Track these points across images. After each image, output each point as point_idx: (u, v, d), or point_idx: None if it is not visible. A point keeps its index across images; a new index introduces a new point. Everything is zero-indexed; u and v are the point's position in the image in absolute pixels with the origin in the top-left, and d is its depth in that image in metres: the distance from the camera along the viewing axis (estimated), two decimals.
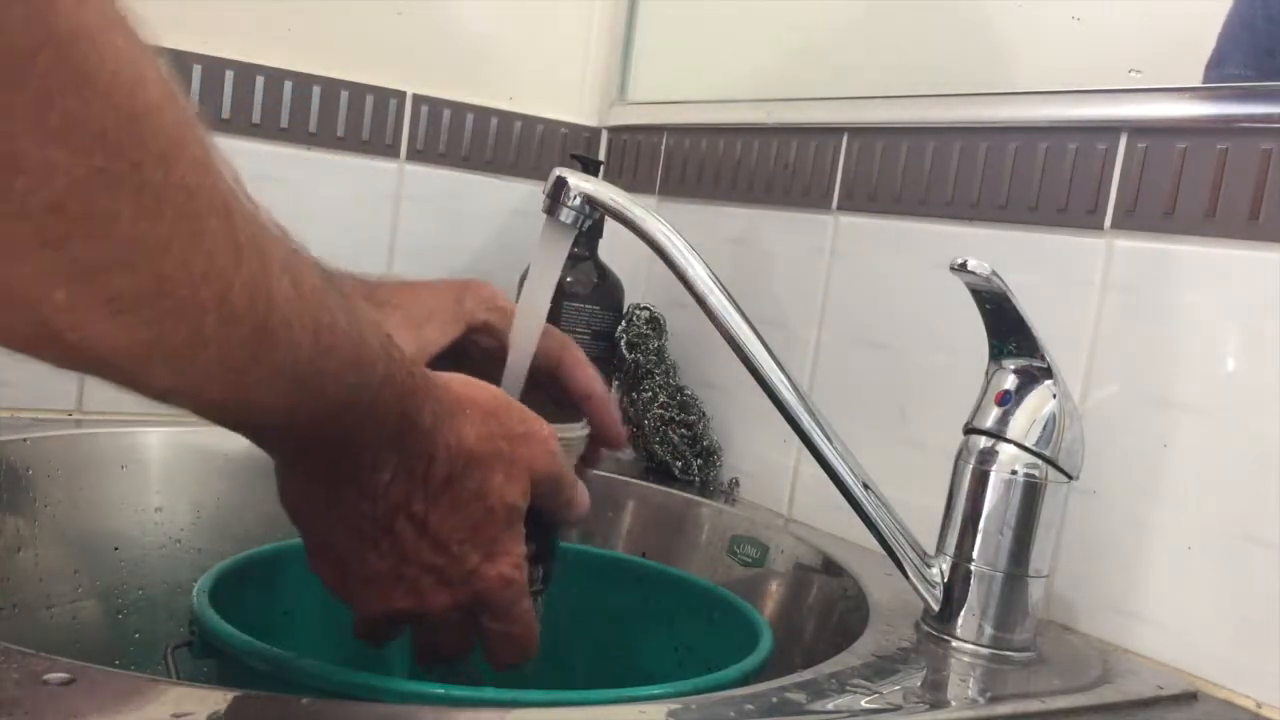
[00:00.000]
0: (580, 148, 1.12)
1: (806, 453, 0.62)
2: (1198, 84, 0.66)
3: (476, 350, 0.63)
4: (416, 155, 1.05)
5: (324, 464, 0.46)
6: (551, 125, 1.11)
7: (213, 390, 0.37)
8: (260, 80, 0.98)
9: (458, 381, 0.49)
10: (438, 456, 0.47)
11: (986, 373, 0.64)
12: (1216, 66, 0.65)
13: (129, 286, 0.31)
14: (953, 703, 0.56)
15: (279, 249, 0.37)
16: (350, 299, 0.42)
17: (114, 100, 0.29)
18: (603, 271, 1.01)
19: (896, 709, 0.52)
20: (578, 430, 0.60)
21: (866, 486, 0.62)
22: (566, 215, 0.58)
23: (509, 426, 0.50)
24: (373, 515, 0.47)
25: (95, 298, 0.31)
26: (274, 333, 0.36)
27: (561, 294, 0.96)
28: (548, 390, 0.63)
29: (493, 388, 0.51)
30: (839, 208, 0.88)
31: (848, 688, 0.54)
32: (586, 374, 0.63)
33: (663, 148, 1.07)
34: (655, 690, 0.49)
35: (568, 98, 1.13)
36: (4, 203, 0.28)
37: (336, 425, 0.43)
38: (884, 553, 0.64)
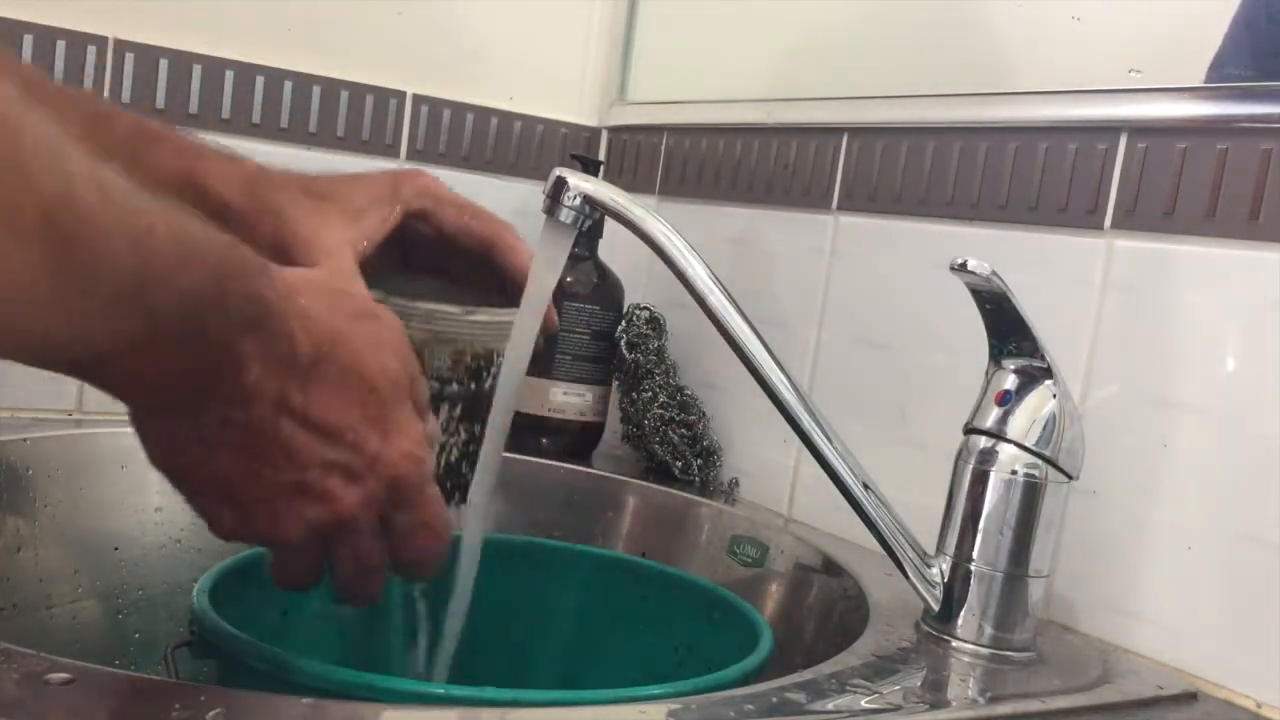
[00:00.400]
0: (580, 148, 1.12)
1: (806, 453, 0.62)
2: (1198, 84, 0.66)
3: (417, 238, 0.63)
4: (416, 155, 1.05)
5: (181, 387, 0.42)
6: (551, 125, 1.11)
7: (26, 321, 0.34)
8: (260, 80, 0.98)
9: (289, 269, 0.47)
10: (296, 334, 0.44)
11: (986, 373, 0.65)
12: (1219, 67, 0.65)
13: None
14: (953, 703, 0.56)
15: (84, 164, 0.34)
16: (171, 200, 0.38)
17: None
18: (603, 271, 1.01)
19: (896, 709, 0.52)
20: (511, 315, 0.60)
21: (866, 486, 0.62)
22: (566, 215, 0.58)
23: (356, 305, 0.48)
24: (250, 423, 0.43)
25: None
26: (82, 248, 0.34)
27: (561, 294, 0.96)
28: (485, 275, 0.63)
29: (325, 272, 0.50)
30: (839, 208, 0.88)
31: (848, 688, 0.54)
32: (522, 258, 0.63)
33: (663, 148, 1.07)
34: (655, 690, 0.49)
35: (568, 98, 1.13)
36: None
37: (181, 337, 0.40)
38: (884, 553, 0.64)
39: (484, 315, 0.60)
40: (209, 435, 0.43)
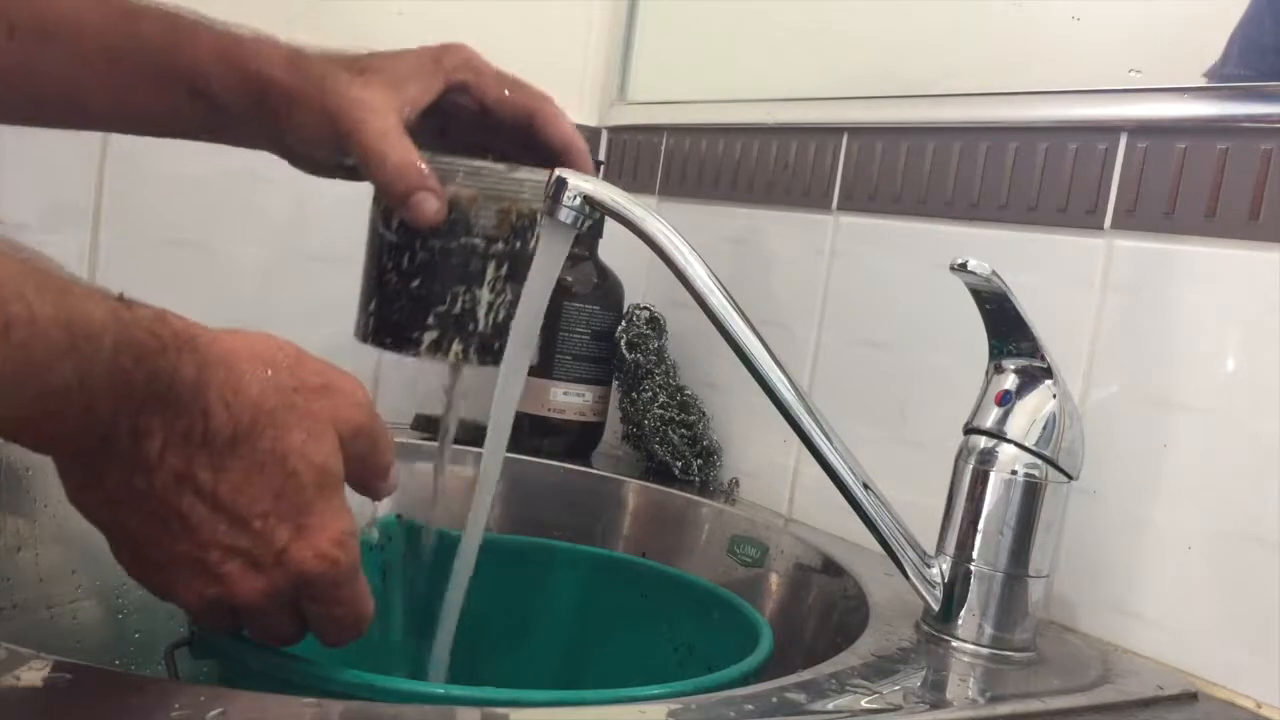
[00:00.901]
0: None
1: (806, 453, 0.62)
2: (1198, 84, 0.66)
3: (458, 110, 0.64)
4: None
5: (79, 450, 0.41)
6: None
7: None
8: None
9: (235, 336, 0.44)
10: (213, 412, 0.42)
11: (986, 373, 0.65)
12: (1222, 67, 0.65)
13: None
14: (953, 703, 0.56)
15: None
16: (60, 281, 0.38)
17: None
18: (603, 271, 1.01)
19: (896, 709, 0.52)
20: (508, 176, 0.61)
21: (866, 486, 0.62)
22: (566, 215, 0.58)
23: (301, 378, 0.45)
24: (151, 492, 0.42)
25: None
26: None
27: (561, 294, 0.96)
28: (529, 148, 0.64)
29: (279, 340, 0.45)
30: (839, 208, 0.88)
31: (848, 688, 0.54)
32: (563, 127, 0.64)
33: (663, 148, 1.07)
34: (655, 690, 0.49)
35: (568, 98, 1.12)
36: None
37: (65, 415, 0.39)
38: (884, 553, 0.64)
39: (526, 173, 0.60)
40: (113, 493, 0.42)
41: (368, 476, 0.48)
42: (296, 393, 0.44)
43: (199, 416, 0.42)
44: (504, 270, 0.61)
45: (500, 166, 0.61)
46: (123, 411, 0.40)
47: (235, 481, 0.43)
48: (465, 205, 0.60)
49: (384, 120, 0.58)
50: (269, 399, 0.43)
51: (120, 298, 0.41)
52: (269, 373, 0.44)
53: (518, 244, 0.61)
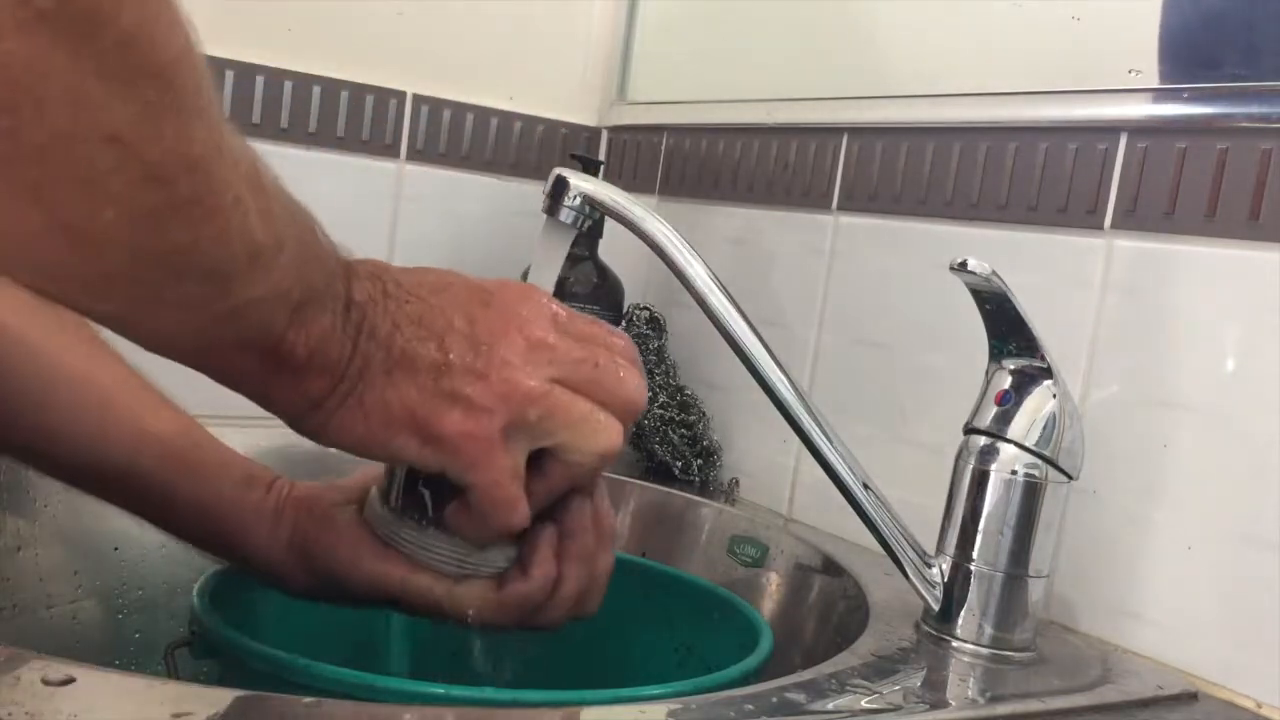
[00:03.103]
0: (580, 148, 1.12)
1: (806, 453, 0.62)
2: (1198, 84, 0.66)
3: None
4: (416, 155, 1.05)
5: (317, 347, 0.44)
6: (551, 125, 1.11)
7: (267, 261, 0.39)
8: (260, 80, 0.98)
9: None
10: (407, 303, 0.47)
11: (986, 373, 0.64)
12: (1170, 71, 0.66)
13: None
14: (953, 703, 0.56)
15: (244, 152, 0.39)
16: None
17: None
18: (603, 271, 1.01)
19: (896, 709, 0.52)
20: None
21: (866, 486, 0.62)
22: (566, 215, 0.58)
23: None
24: (387, 339, 0.46)
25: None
26: (276, 204, 0.40)
27: (561, 294, 0.96)
28: None
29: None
30: (839, 208, 0.88)
31: (848, 688, 0.54)
32: None
33: (663, 148, 1.07)
34: (655, 690, 0.49)
35: (568, 98, 1.13)
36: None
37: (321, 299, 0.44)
38: (884, 553, 0.64)
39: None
40: (348, 371, 0.45)
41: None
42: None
43: (389, 297, 0.47)
44: None
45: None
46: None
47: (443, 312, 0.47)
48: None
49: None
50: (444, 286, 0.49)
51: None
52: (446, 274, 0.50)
53: None
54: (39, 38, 0.29)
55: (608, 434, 0.49)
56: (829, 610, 0.74)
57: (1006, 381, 0.63)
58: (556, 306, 0.50)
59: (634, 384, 0.50)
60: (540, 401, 0.47)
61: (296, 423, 0.46)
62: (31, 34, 0.29)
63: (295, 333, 0.43)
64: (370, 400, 0.46)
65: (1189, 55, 0.67)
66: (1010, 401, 0.63)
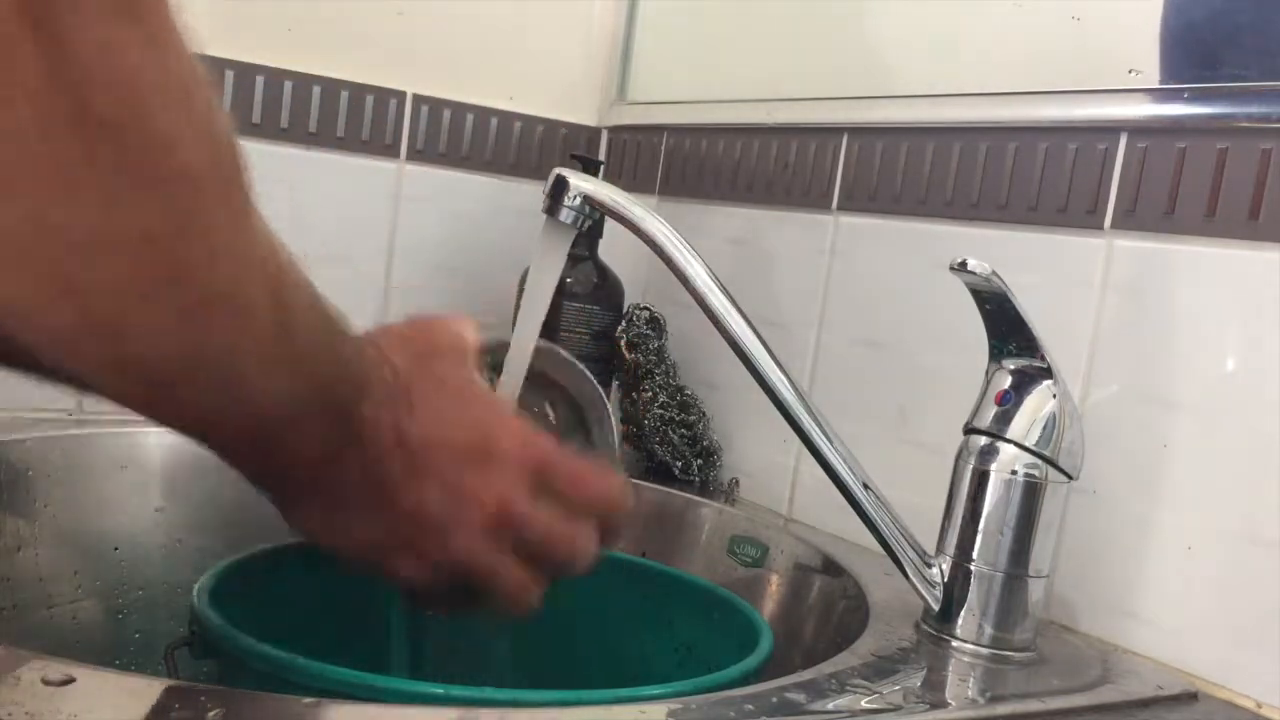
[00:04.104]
0: (580, 148, 1.12)
1: (806, 453, 0.62)
2: (1198, 84, 0.66)
3: None
4: (416, 155, 1.05)
5: (311, 442, 0.46)
6: (551, 125, 1.11)
7: (259, 379, 0.40)
8: (260, 80, 0.98)
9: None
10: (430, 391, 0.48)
11: (986, 373, 0.64)
12: (1170, 71, 0.66)
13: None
14: (953, 703, 0.56)
15: (272, 247, 0.40)
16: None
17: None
18: (603, 271, 1.01)
19: (896, 709, 0.52)
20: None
21: (866, 486, 0.62)
22: (566, 215, 0.58)
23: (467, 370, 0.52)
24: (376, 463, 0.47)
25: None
26: (292, 316, 0.40)
27: (561, 294, 0.96)
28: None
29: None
30: (839, 208, 0.88)
31: (848, 688, 0.54)
32: None
33: (663, 148, 1.07)
34: (655, 690, 0.49)
35: (568, 98, 1.13)
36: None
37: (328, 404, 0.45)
38: (884, 553, 0.64)
39: None
40: (340, 493, 0.48)
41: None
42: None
43: (405, 406, 0.48)
44: None
45: None
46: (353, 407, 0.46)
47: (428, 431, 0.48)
48: None
49: None
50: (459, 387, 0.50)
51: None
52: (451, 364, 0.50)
53: None
54: (70, 139, 0.30)
55: (531, 599, 0.52)
56: (829, 610, 0.74)
57: (1006, 381, 0.63)
58: (551, 456, 0.51)
59: (585, 552, 0.53)
60: (483, 573, 0.50)
61: (258, 479, 0.48)
62: (62, 135, 0.30)
63: (294, 434, 0.44)
64: (338, 519, 0.48)
65: (1189, 55, 0.67)
66: (1010, 401, 0.63)
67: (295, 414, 0.43)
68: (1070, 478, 0.63)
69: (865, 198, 0.86)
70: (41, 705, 0.40)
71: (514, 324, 0.60)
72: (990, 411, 0.63)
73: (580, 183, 0.58)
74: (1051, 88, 0.74)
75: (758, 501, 0.92)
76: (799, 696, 0.51)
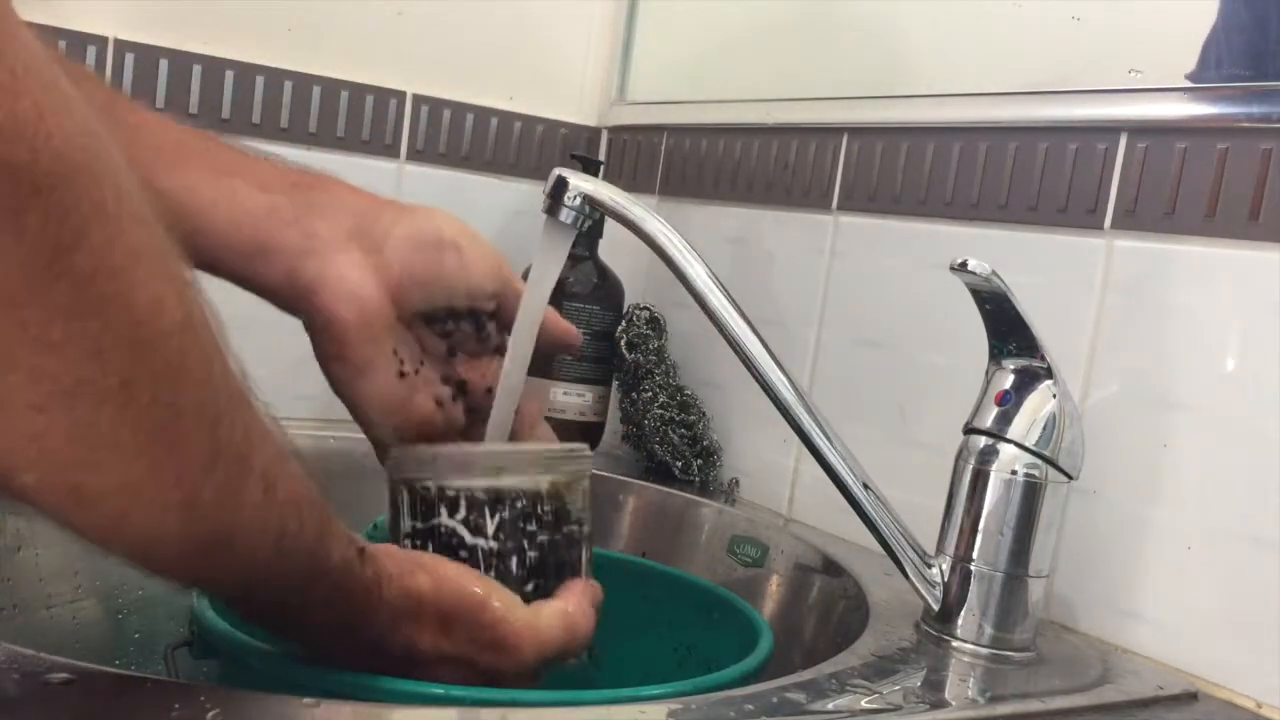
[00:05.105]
0: (580, 148, 1.12)
1: (806, 453, 0.62)
2: (1198, 84, 0.66)
3: None
4: (416, 155, 1.05)
5: (278, 635, 0.48)
6: (551, 125, 1.12)
7: (171, 567, 0.39)
8: (260, 80, 0.98)
9: (429, 580, 0.48)
10: (385, 653, 0.47)
11: (986, 373, 0.64)
12: (1201, 72, 0.66)
13: (94, 484, 0.34)
14: (953, 703, 0.56)
15: (263, 455, 0.39)
16: (327, 509, 0.43)
17: (118, 326, 0.32)
18: (603, 271, 1.01)
19: (896, 709, 0.52)
20: (569, 445, 0.57)
21: (866, 486, 0.62)
22: (566, 215, 0.58)
23: (474, 635, 0.49)
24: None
25: (61, 487, 0.34)
26: (233, 537, 0.38)
27: (561, 294, 0.96)
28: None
29: (469, 587, 0.49)
30: (839, 208, 0.88)
31: (848, 688, 0.54)
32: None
33: (663, 148, 1.07)
34: (655, 690, 0.49)
35: (568, 98, 1.13)
36: None
37: (288, 612, 0.45)
38: (884, 553, 0.64)
39: (580, 449, 0.57)
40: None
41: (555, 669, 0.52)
42: (466, 645, 0.49)
43: (372, 653, 0.47)
44: (591, 554, 0.56)
45: (566, 447, 0.57)
46: (322, 625, 0.46)
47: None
48: (564, 492, 0.54)
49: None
50: (438, 653, 0.48)
51: (360, 551, 0.45)
52: (445, 630, 0.48)
53: (591, 524, 0.57)
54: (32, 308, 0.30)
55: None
56: (829, 610, 0.74)
57: (1006, 381, 0.63)
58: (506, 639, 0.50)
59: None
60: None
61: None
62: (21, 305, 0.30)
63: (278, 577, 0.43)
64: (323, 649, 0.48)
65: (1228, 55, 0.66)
66: (1010, 401, 0.63)
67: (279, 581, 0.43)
68: (1070, 478, 0.63)
69: (865, 198, 0.86)
70: (41, 705, 0.40)
71: (513, 324, 0.60)
72: (990, 411, 0.63)
73: (580, 183, 0.58)
74: (1051, 88, 0.74)
75: (758, 501, 0.92)
76: (799, 696, 0.51)
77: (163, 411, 0.34)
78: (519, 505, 0.53)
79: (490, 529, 0.52)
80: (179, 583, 0.43)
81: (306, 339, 0.55)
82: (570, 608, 0.52)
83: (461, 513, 0.52)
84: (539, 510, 0.53)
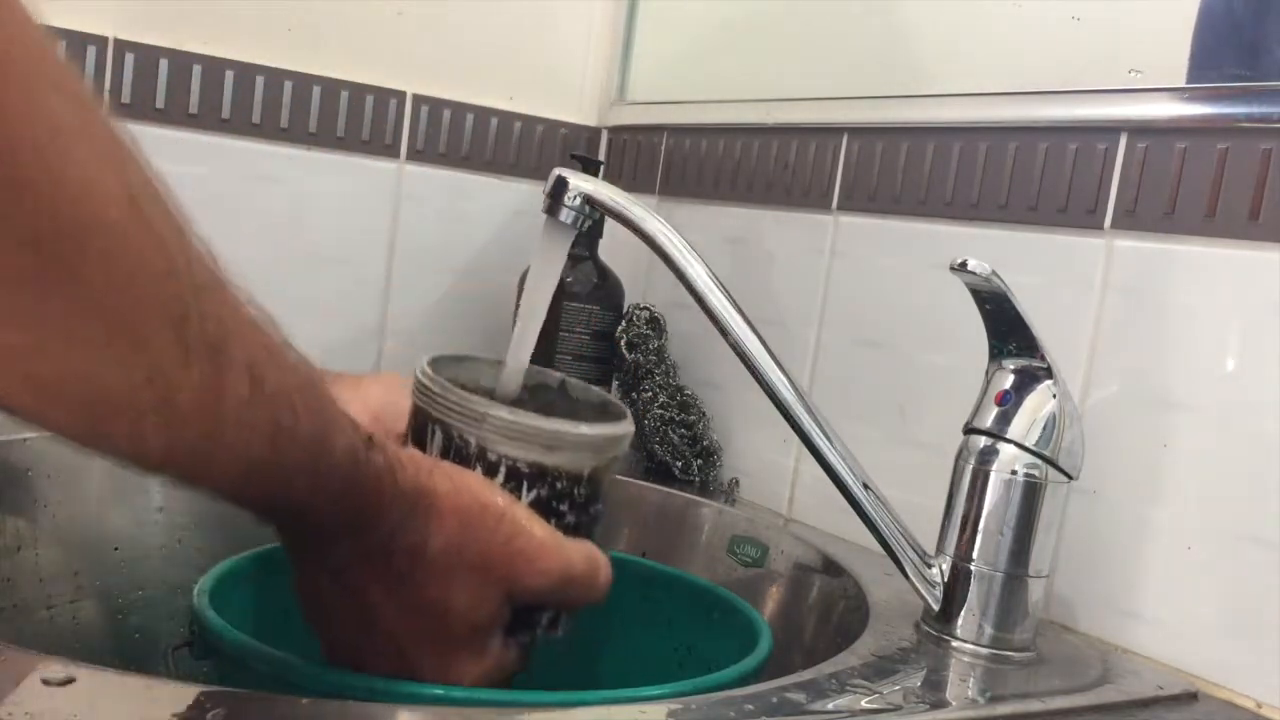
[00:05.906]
0: (580, 148, 1.12)
1: (806, 453, 0.62)
2: (1198, 84, 0.66)
3: None
4: (416, 155, 1.05)
5: (288, 535, 0.47)
6: (551, 125, 1.12)
7: (163, 468, 0.37)
8: (260, 80, 0.98)
9: (448, 482, 0.47)
10: (394, 559, 0.46)
11: (986, 373, 0.64)
12: (1198, 67, 0.66)
13: (47, 371, 0.32)
14: (953, 703, 0.56)
15: (245, 347, 0.37)
16: (321, 395, 0.42)
17: (52, 208, 0.30)
18: (603, 271, 1.01)
19: (896, 709, 0.52)
20: (622, 428, 0.54)
21: (866, 486, 0.62)
22: (566, 215, 0.58)
23: (492, 542, 0.47)
24: (331, 589, 0.47)
25: (15, 375, 0.32)
26: (222, 435, 0.37)
27: (561, 294, 0.96)
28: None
29: (491, 495, 0.48)
30: (839, 208, 0.88)
31: (848, 688, 0.54)
32: None
33: (663, 148, 1.07)
34: (655, 690, 0.49)
35: (568, 98, 1.13)
36: None
37: (293, 508, 0.43)
38: (884, 553, 0.64)
39: (613, 428, 0.54)
40: (302, 574, 0.49)
41: (561, 606, 0.52)
42: (479, 554, 0.47)
43: (382, 554, 0.46)
44: (601, 534, 0.55)
45: (619, 431, 0.54)
46: (331, 528, 0.45)
47: (396, 611, 0.47)
48: (601, 475, 0.53)
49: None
50: (448, 558, 0.46)
51: (369, 439, 0.44)
52: (461, 532, 0.47)
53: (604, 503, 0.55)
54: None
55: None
56: (829, 610, 0.74)
57: (1006, 381, 0.63)
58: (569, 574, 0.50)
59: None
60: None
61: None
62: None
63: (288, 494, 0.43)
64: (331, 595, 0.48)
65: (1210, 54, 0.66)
66: (1010, 401, 0.63)
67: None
68: (1070, 478, 0.63)
69: (865, 198, 0.86)
70: (41, 705, 0.40)
71: (514, 324, 0.60)
72: (990, 411, 0.63)
73: (580, 183, 0.58)
74: (1051, 88, 0.74)
75: (758, 501, 0.92)
76: (799, 696, 0.51)
77: (118, 300, 0.32)
78: (559, 486, 0.51)
79: (524, 502, 0.51)
80: (180, 485, 0.40)
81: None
82: (594, 550, 0.51)
83: (499, 479, 0.50)
84: (575, 491, 0.52)
